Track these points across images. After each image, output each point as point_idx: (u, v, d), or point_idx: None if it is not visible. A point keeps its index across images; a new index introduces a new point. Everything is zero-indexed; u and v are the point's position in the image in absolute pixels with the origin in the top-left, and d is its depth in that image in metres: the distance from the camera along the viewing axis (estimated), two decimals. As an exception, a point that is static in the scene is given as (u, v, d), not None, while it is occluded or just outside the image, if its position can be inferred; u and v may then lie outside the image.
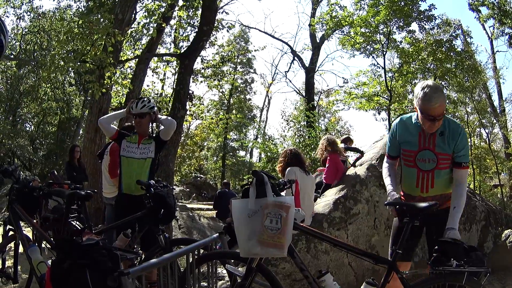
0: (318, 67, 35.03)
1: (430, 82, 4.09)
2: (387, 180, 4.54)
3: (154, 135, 6.35)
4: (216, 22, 16.14)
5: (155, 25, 14.64)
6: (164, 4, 14.49)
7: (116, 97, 17.25)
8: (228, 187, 18.15)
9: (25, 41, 31.25)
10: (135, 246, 5.62)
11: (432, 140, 4.22)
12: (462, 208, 4.17)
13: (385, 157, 4.72)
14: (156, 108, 6.40)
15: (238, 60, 42.12)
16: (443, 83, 26.98)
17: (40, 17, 30.55)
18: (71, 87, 33.52)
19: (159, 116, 6.50)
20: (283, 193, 3.75)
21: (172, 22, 17.83)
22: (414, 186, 4.39)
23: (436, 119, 4.01)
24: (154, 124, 6.39)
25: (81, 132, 34.65)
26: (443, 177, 4.34)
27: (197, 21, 16.52)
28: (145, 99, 6.38)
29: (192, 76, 16.08)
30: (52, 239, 4.77)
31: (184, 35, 18.97)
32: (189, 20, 17.69)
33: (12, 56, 28.50)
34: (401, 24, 25.05)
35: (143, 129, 6.21)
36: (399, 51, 25.56)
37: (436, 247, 3.83)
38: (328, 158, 9.13)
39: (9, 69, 32.09)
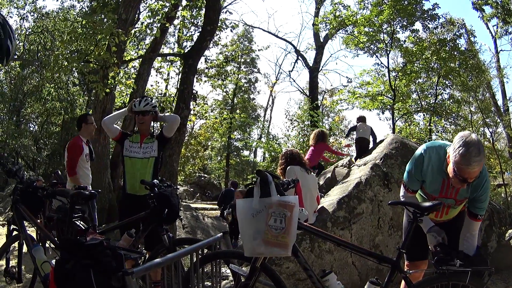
0: (322, 67, 35.08)
1: (475, 138, 3.60)
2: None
3: (156, 134, 6.37)
4: (219, 22, 16.14)
5: (158, 25, 14.65)
6: (167, 4, 14.49)
7: (120, 97, 17.31)
8: (236, 187, 18.11)
9: (28, 41, 31.30)
10: (139, 246, 5.62)
11: (456, 191, 4.05)
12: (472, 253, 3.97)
13: (403, 189, 4.34)
14: (157, 107, 6.44)
15: (242, 60, 42.18)
16: (447, 82, 26.96)
17: (43, 18, 30.60)
18: (75, 87, 33.56)
19: (161, 114, 6.53)
20: (286, 193, 3.74)
21: (176, 22, 17.88)
22: None
23: (467, 181, 3.67)
24: (158, 124, 6.44)
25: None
26: (456, 208, 4.31)
27: (200, 21, 16.53)
28: (148, 97, 6.42)
29: (196, 76, 16.09)
30: (56, 239, 4.78)
31: (187, 35, 19.03)
32: (192, 20, 17.70)
33: (16, 57, 28.53)
34: (404, 23, 24.97)
35: (145, 127, 6.24)
36: (402, 50, 25.51)
37: (439, 248, 3.84)
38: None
39: (13, 69, 32.15)
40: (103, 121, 6.39)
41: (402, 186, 4.36)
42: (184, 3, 16.04)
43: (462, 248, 4.00)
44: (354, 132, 13.29)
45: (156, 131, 6.53)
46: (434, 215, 4.27)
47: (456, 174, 3.63)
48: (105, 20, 11.94)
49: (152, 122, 6.45)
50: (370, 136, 12.74)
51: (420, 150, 4.14)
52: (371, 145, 12.09)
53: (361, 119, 13.51)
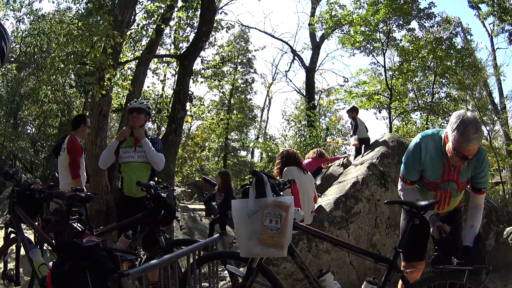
0: (318, 66, 35.10)
1: (471, 116, 3.72)
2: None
3: (150, 137, 6.35)
4: (215, 23, 16.14)
5: (154, 26, 14.64)
6: (163, 6, 14.49)
7: (117, 99, 17.27)
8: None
9: (25, 43, 31.27)
10: (137, 247, 5.63)
11: (457, 172, 4.09)
12: (478, 228, 4.14)
13: (401, 182, 4.38)
14: (151, 109, 6.43)
15: (238, 60, 42.09)
16: (443, 81, 26.97)
17: (39, 20, 30.53)
18: (72, 89, 33.50)
19: (147, 139, 6.32)
20: (282, 193, 3.74)
21: (172, 23, 17.85)
22: None
23: (468, 158, 3.77)
24: (155, 125, 6.40)
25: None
26: (458, 195, 4.36)
27: (196, 22, 16.54)
28: (143, 100, 6.45)
29: (192, 77, 16.08)
30: (53, 241, 4.78)
31: (183, 36, 18.99)
32: (188, 21, 17.71)
33: (12, 59, 28.50)
34: (400, 22, 24.93)
35: (138, 126, 6.20)
36: (399, 49, 25.46)
37: (437, 247, 3.85)
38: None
39: (9, 71, 32.09)
40: (101, 166, 6.65)
41: (399, 180, 4.38)
42: (179, 4, 16.04)
43: (469, 223, 4.15)
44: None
45: (151, 133, 6.44)
46: (436, 208, 4.25)
47: (456, 153, 3.71)
48: (101, 22, 11.92)
49: (145, 123, 6.42)
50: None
51: (415, 140, 4.19)
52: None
53: (356, 110, 13.51)
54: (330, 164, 12.50)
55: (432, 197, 4.25)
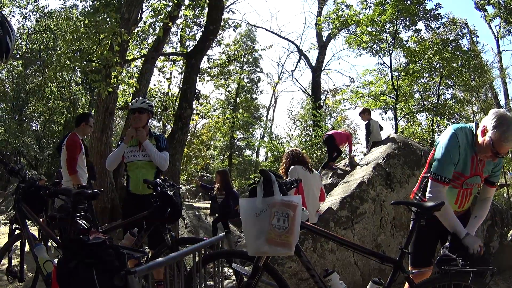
0: (325, 66, 34.95)
1: (511, 116, 3.79)
2: (456, 223, 3.94)
3: (154, 135, 6.34)
4: (222, 21, 16.11)
5: (161, 24, 14.62)
6: (170, 4, 14.47)
7: (123, 96, 17.27)
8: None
9: (31, 40, 31.34)
10: (142, 245, 5.62)
11: (482, 166, 4.08)
12: (482, 219, 4.22)
13: (436, 184, 3.97)
14: (154, 108, 6.41)
15: (245, 59, 42.11)
16: (449, 82, 26.93)
17: (46, 17, 30.63)
18: (77, 86, 33.56)
19: (152, 137, 6.35)
20: (289, 193, 3.74)
21: (179, 21, 17.81)
22: (452, 203, 4.16)
23: (499, 156, 3.86)
24: (160, 123, 6.38)
25: (87, 131, 34.57)
26: (475, 192, 4.36)
27: (203, 20, 16.51)
28: (145, 98, 6.43)
29: (198, 75, 16.06)
30: (58, 238, 4.78)
31: (190, 34, 18.97)
32: (195, 19, 17.67)
33: (18, 56, 28.56)
34: (407, 23, 24.94)
35: (141, 126, 6.19)
36: (405, 50, 25.46)
37: (447, 244, 3.83)
38: None
39: (15, 68, 32.20)
40: (108, 167, 6.65)
41: (432, 183, 4.03)
42: (186, 2, 16.02)
43: (474, 213, 4.22)
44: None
45: (156, 130, 6.41)
46: (457, 206, 4.25)
47: (492, 149, 3.78)
48: (108, 19, 11.91)
49: (148, 122, 6.39)
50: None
51: (448, 133, 4.04)
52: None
53: (369, 112, 13.37)
54: (337, 164, 12.49)
55: (454, 196, 4.19)
